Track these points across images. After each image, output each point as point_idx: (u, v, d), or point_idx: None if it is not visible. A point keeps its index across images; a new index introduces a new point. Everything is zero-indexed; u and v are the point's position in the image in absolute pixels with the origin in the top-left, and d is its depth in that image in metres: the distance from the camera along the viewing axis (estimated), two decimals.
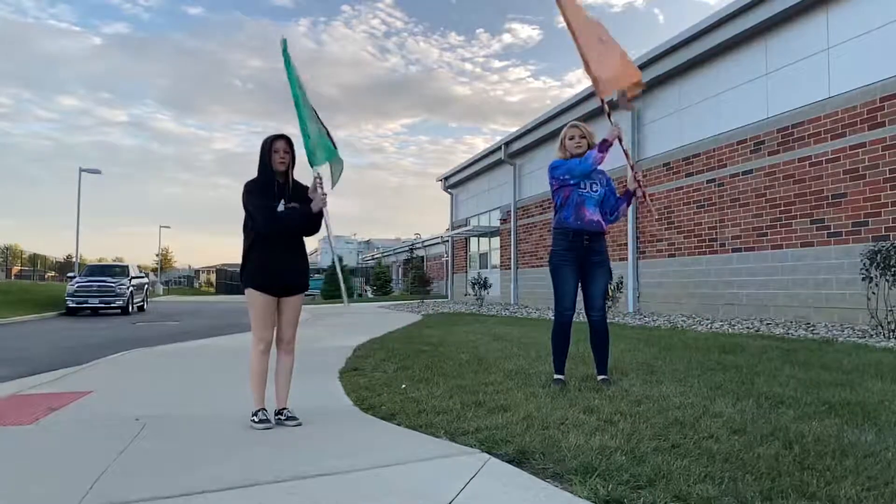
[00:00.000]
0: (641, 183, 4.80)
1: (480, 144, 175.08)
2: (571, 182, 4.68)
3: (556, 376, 4.71)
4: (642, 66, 12.91)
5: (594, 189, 4.70)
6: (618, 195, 4.84)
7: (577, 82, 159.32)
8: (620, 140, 4.65)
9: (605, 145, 4.53)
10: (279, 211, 3.79)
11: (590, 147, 4.74)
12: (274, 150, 3.84)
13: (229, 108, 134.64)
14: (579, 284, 4.74)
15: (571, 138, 4.77)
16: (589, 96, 14.98)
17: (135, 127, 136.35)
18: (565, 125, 4.97)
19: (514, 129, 21.95)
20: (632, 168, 4.84)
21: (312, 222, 3.93)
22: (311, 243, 4.25)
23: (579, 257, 4.67)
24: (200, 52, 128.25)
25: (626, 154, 4.89)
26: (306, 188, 4.00)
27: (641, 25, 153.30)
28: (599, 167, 4.72)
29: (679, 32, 11.85)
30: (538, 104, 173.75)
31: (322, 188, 3.93)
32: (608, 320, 4.92)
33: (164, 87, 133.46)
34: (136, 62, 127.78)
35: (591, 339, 4.78)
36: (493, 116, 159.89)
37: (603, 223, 4.73)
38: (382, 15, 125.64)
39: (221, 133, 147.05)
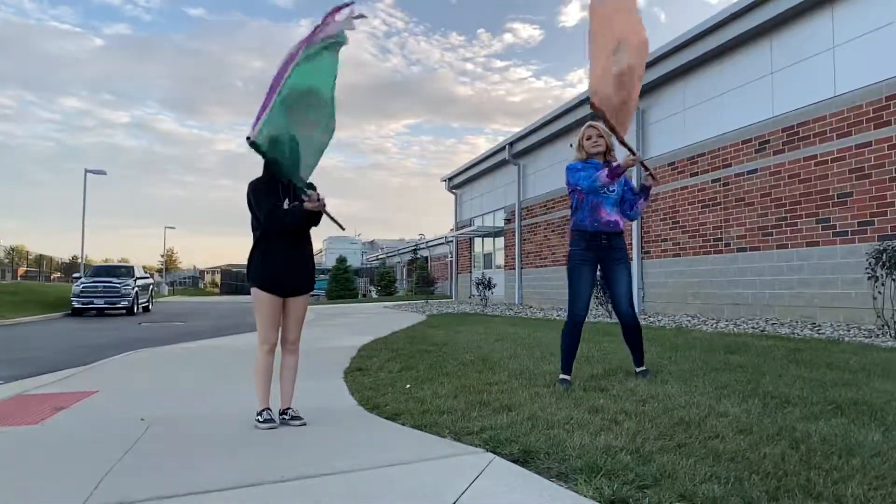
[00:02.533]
0: (652, 173, 4.71)
1: (482, 144, 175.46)
2: (582, 190, 4.70)
3: (562, 376, 4.69)
4: (648, 66, 12.88)
5: (611, 189, 4.69)
6: (634, 191, 4.81)
7: (579, 82, 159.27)
8: (643, 164, 4.66)
9: (617, 171, 4.46)
10: (283, 209, 3.78)
11: (608, 148, 4.73)
12: None
13: (231, 110, 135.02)
14: (603, 285, 4.75)
15: (589, 138, 4.76)
16: None
17: (137, 128, 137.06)
18: (585, 124, 4.92)
19: (516, 129, 21.97)
20: (646, 169, 4.77)
21: (313, 218, 3.86)
22: (315, 244, 4.21)
23: (599, 257, 4.70)
24: (201, 53, 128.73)
25: (644, 167, 4.80)
26: (311, 186, 3.98)
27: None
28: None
29: (684, 32, 11.82)
30: (540, 104, 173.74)
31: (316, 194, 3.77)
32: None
33: (165, 88, 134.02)
34: (137, 63, 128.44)
35: (625, 337, 4.84)
36: (495, 116, 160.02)
37: (620, 223, 4.74)
38: (383, 15, 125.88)
39: (224, 134, 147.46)
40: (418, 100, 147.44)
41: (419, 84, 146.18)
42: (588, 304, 4.73)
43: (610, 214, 4.68)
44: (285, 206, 3.80)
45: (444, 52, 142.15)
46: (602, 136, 4.72)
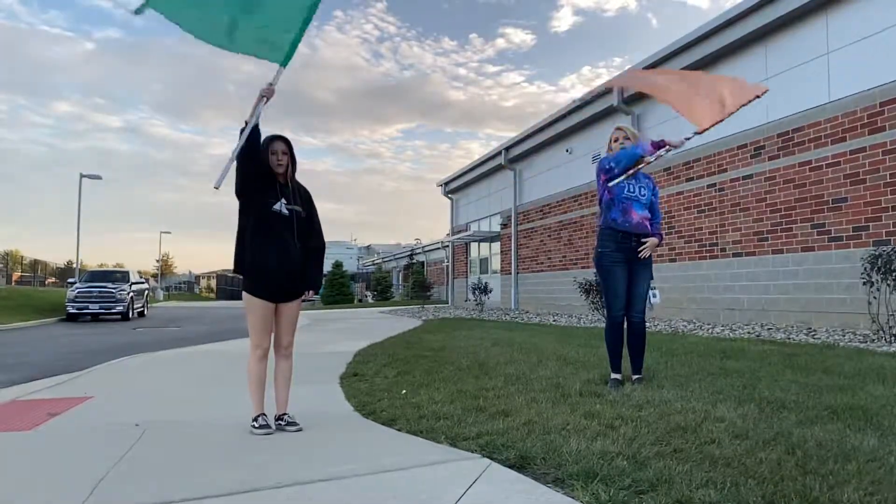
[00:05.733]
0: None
1: (476, 149, 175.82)
2: (616, 171, 4.61)
3: (612, 376, 4.82)
4: (641, 69, 12.94)
5: (642, 193, 4.79)
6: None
7: (572, 87, 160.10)
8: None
9: (660, 145, 4.49)
10: (275, 209, 3.75)
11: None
12: (272, 151, 3.77)
13: (224, 114, 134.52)
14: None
15: (616, 140, 4.89)
16: (588, 102, 15.02)
17: (130, 133, 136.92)
18: (614, 127, 5.03)
19: (509, 133, 22.05)
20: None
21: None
22: None
23: (628, 258, 4.76)
24: (193, 56, 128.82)
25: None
26: (308, 194, 3.98)
27: (634, 30, 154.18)
28: (645, 176, 4.86)
29: (679, 38, 11.87)
30: (533, 109, 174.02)
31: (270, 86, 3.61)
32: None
33: (157, 92, 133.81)
34: (129, 67, 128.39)
35: (629, 340, 4.88)
36: (489, 121, 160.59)
37: (650, 226, 4.81)
38: (375, 20, 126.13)
39: (217, 138, 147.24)
40: (411, 104, 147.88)
41: (412, 88, 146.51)
42: (625, 303, 4.82)
43: (641, 217, 4.76)
44: (280, 207, 3.76)
45: (436, 56, 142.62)
46: (629, 139, 4.83)
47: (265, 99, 3.62)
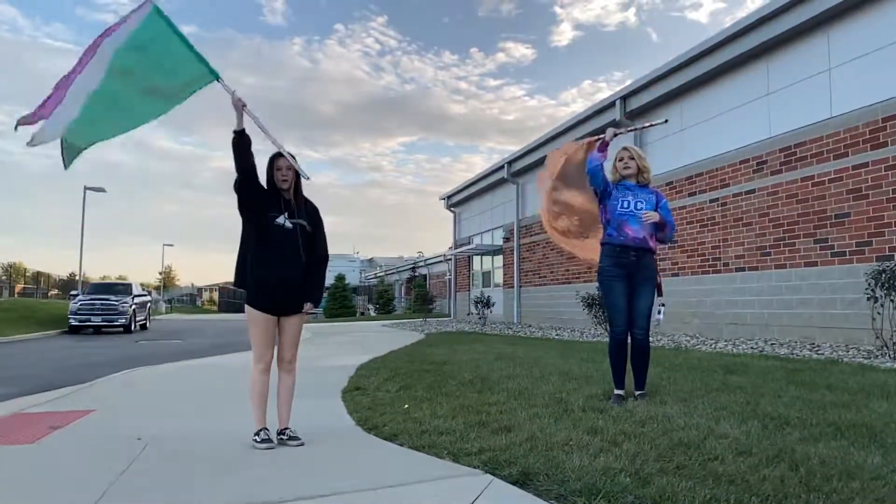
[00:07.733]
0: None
1: (478, 162, 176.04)
2: (600, 189, 4.90)
3: (615, 392, 4.79)
4: (645, 86, 13.00)
5: (638, 208, 4.76)
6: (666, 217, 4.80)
7: (573, 101, 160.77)
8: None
9: (603, 146, 4.87)
10: (278, 222, 3.78)
11: (640, 170, 4.85)
12: (276, 167, 3.83)
13: (226, 127, 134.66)
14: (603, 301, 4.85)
15: (621, 160, 4.90)
16: (590, 116, 15.09)
17: (132, 145, 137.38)
18: (621, 147, 5.07)
19: (511, 147, 22.11)
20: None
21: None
22: None
23: (628, 273, 4.75)
24: None
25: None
26: (315, 208, 4.00)
27: (634, 45, 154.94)
28: (649, 188, 4.88)
29: (681, 53, 11.93)
30: (534, 122, 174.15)
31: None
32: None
33: None
34: None
35: (632, 356, 4.85)
36: (490, 134, 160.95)
37: (649, 241, 4.76)
38: (376, 34, 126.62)
39: (220, 151, 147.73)
40: (413, 118, 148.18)
41: (413, 102, 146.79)
42: (626, 318, 4.78)
43: (637, 232, 4.72)
44: (283, 221, 3.79)
45: (437, 70, 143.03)
46: (633, 159, 4.84)
47: (244, 106, 3.77)
